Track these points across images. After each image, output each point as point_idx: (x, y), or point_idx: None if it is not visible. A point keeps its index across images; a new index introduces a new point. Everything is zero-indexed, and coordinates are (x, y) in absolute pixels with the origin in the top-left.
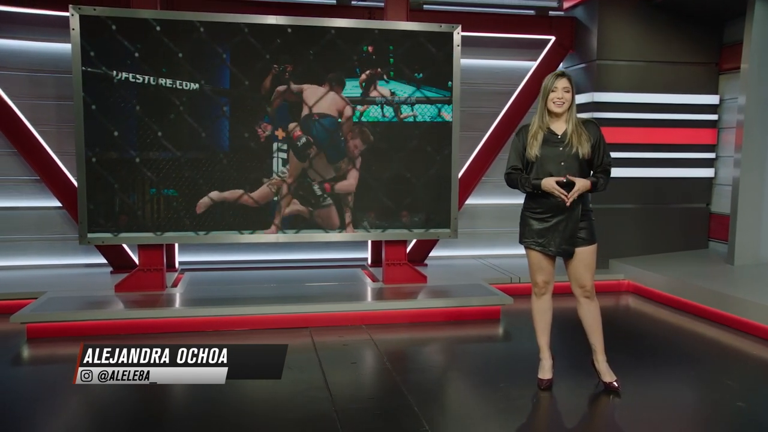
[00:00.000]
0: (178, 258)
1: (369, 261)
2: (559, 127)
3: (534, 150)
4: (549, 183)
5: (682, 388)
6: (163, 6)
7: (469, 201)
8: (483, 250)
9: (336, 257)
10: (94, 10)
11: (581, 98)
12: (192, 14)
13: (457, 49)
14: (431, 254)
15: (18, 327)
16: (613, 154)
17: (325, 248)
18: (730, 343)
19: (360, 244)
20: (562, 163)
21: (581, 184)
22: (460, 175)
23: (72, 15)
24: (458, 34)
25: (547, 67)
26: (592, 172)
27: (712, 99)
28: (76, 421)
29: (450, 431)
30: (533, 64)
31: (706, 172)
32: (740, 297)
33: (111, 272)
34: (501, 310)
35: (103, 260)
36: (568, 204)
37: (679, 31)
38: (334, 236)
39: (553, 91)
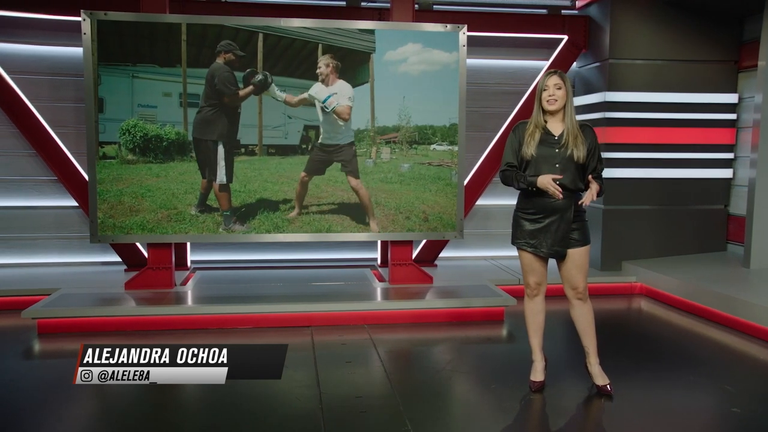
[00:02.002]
0: (191, 257)
1: (378, 261)
2: (555, 128)
3: (530, 149)
4: (544, 180)
5: (678, 392)
6: (172, 10)
7: (481, 202)
8: (495, 251)
9: (348, 257)
10: (105, 15)
11: (594, 98)
12: (208, 18)
13: (462, 50)
14: (443, 255)
15: (30, 322)
16: (627, 155)
17: (337, 248)
18: (737, 348)
19: (372, 245)
20: (557, 165)
21: (595, 188)
22: (470, 175)
23: (84, 20)
24: (464, 35)
25: (559, 67)
26: (588, 175)
27: (731, 98)
28: (76, 421)
29: (431, 431)
30: (545, 64)
31: (725, 173)
32: (750, 301)
33: (125, 270)
34: (505, 311)
35: (119, 258)
36: (560, 197)
37: (695, 28)
38: (336, 236)
39: (545, 89)
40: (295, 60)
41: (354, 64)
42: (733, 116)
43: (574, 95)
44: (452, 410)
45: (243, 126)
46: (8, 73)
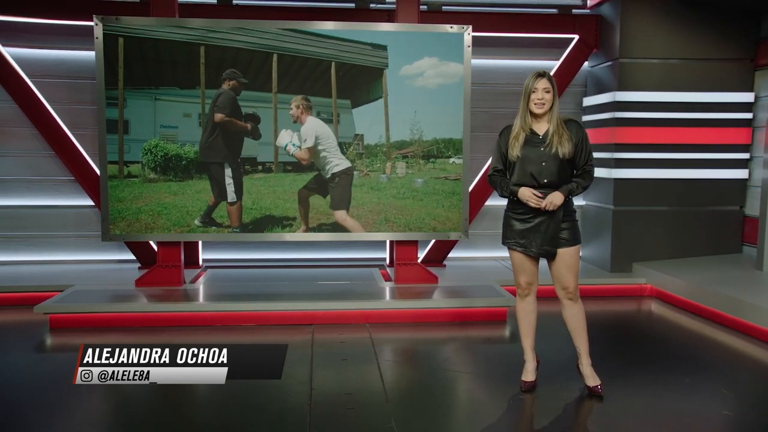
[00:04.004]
0: (203, 255)
1: (387, 261)
2: (540, 128)
3: (515, 151)
4: (525, 193)
5: (672, 395)
6: (181, 14)
7: (490, 202)
8: (505, 251)
9: (358, 257)
10: (116, 19)
11: (604, 98)
12: (214, 21)
13: (467, 50)
14: (453, 255)
15: (42, 317)
16: (638, 155)
17: (348, 248)
18: (743, 351)
19: (383, 245)
20: (543, 164)
21: (553, 199)
22: (479, 176)
23: (96, 24)
24: (469, 35)
25: (569, 66)
26: (574, 172)
27: (747, 96)
28: (75, 421)
29: (414, 428)
30: (556, 63)
31: (740, 173)
32: (757, 304)
33: (139, 268)
34: (508, 312)
35: (134, 256)
36: (542, 208)
37: (709, 26)
38: (342, 236)
39: (533, 92)
40: (309, 79)
41: (368, 80)
42: (749, 115)
43: (586, 95)
44: (440, 409)
45: (260, 144)
46: (29, 76)
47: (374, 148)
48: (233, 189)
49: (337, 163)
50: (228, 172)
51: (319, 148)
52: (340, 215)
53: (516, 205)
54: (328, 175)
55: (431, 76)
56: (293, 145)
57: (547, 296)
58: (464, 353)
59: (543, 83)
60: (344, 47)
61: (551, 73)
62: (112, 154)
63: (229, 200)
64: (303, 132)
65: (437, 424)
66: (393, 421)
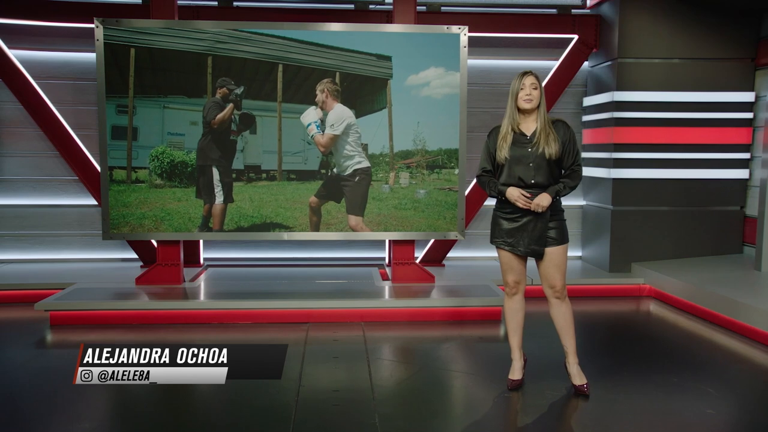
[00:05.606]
0: (204, 254)
1: (387, 260)
2: (528, 128)
3: (503, 152)
4: (513, 194)
5: (658, 394)
6: (181, 16)
7: (490, 202)
8: None
9: (360, 256)
10: (117, 22)
11: (602, 98)
12: (217, 23)
13: (463, 51)
14: (453, 255)
15: (43, 314)
16: (637, 155)
17: (350, 247)
18: (736, 351)
19: (383, 244)
20: (531, 164)
21: (541, 201)
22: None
23: (97, 27)
24: (465, 36)
25: (569, 66)
26: (562, 172)
27: (748, 96)
28: (75, 422)
29: (397, 425)
30: (556, 63)
31: (741, 173)
32: (752, 305)
33: (141, 266)
34: (502, 311)
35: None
36: (532, 208)
37: (710, 25)
38: (338, 235)
39: (521, 88)
40: (314, 88)
41: (372, 90)
42: (749, 115)
43: (587, 95)
44: (424, 406)
45: (264, 152)
46: (34, 78)
47: (378, 158)
48: (220, 190)
49: (359, 159)
50: (216, 175)
51: (349, 139)
52: (356, 221)
53: (504, 204)
54: (348, 172)
55: (437, 86)
56: (317, 126)
57: (536, 296)
58: (456, 352)
59: (530, 80)
60: (349, 57)
61: (551, 74)
62: (120, 159)
63: (216, 202)
64: (332, 117)
65: (420, 421)
66: (377, 417)
